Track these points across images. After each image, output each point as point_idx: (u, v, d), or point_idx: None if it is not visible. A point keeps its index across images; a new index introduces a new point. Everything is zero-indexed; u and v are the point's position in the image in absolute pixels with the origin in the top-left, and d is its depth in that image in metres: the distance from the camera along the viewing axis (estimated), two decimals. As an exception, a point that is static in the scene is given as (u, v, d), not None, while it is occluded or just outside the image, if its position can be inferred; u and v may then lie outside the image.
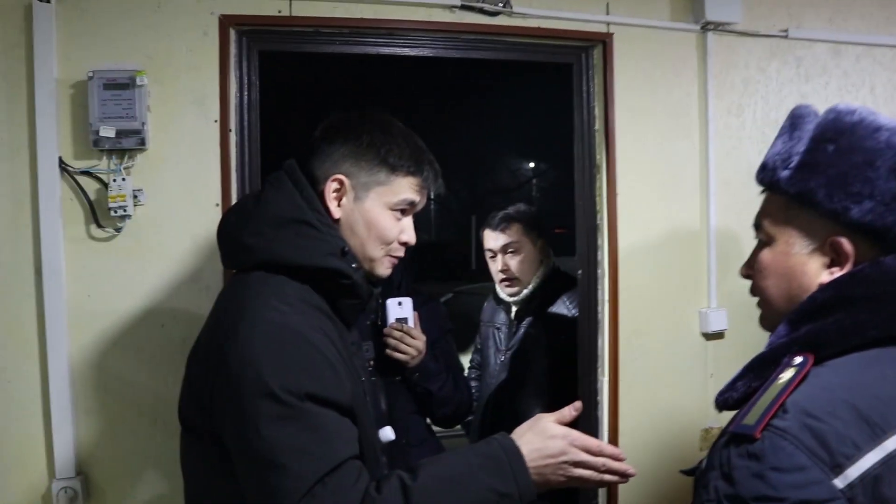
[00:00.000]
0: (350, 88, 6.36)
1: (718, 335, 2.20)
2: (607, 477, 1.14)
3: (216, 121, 1.81)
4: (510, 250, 2.39)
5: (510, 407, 2.33)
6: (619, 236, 2.10)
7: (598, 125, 2.12)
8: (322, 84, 6.37)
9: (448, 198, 16.47)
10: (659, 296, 2.16)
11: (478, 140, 14.06)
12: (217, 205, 1.80)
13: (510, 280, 2.40)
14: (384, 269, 1.32)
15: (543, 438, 1.13)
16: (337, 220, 1.26)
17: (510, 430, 1.17)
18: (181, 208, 1.80)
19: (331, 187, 1.25)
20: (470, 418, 2.37)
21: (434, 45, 2.00)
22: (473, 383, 2.56)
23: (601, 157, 2.11)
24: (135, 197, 1.74)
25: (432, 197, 1.40)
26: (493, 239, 2.42)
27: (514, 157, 17.37)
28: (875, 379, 0.86)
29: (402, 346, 1.87)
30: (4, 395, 1.72)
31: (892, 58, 2.36)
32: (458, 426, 2.26)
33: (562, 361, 2.23)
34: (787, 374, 0.87)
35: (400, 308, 1.90)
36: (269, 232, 1.20)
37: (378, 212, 1.27)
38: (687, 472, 1.02)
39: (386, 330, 1.89)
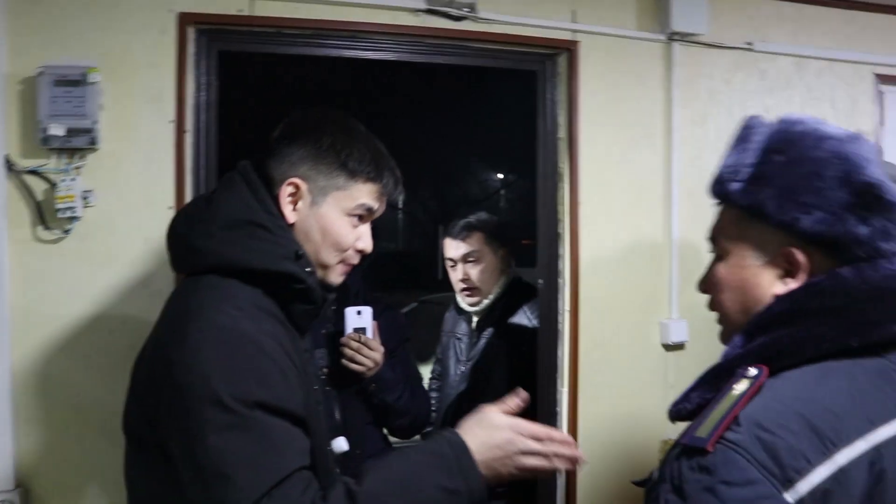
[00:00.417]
0: (314, 91, 6.32)
1: (679, 346, 2.21)
2: (557, 462, 1.13)
3: (172, 121, 1.77)
4: (471, 259, 2.36)
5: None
6: (581, 246, 2.10)
7: (562, 133, 2.12)
8: (285, 86, 6.32)
9: (415, 207, 16.45)
10: (620, 306, 2.16)
11: (446, 149, 14.06)
12: (170, 208, 1.76)
13: (471, 290, 2.37)
14: (337, 276, 1.28)
15: (489, 430, 1.11)
16: (291, 225, 1.22)
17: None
18: (133, 211, 1.75)
19: (286, 191, 1.21)
20: (429, 429, 2.33)
21: (398, 49, 1.99)
22: (433, 394, 2.52)
23: (564, 166, 2.11)
24: (84, 198, 1.70)
25: (397, 205, 1.38)
26: (453, 248, 2.39)
27: (483, 168, 17.40)
28: (829, 392, 0.85)
29: (359, 358, 1.82)
30: (-60, 403, 1.65)
31: (852, 73, 2.41)
32: (417, 437, 2.23)
33: (522, 372, 2.21)
34: (740, 386, 0.86)
35: (359, 317, 1.85)
36: (219, 234, 1.16)
37: (334, 218, 1.24)
38: (638, 483, 1.00)
39: (343, 339, 1.84)
